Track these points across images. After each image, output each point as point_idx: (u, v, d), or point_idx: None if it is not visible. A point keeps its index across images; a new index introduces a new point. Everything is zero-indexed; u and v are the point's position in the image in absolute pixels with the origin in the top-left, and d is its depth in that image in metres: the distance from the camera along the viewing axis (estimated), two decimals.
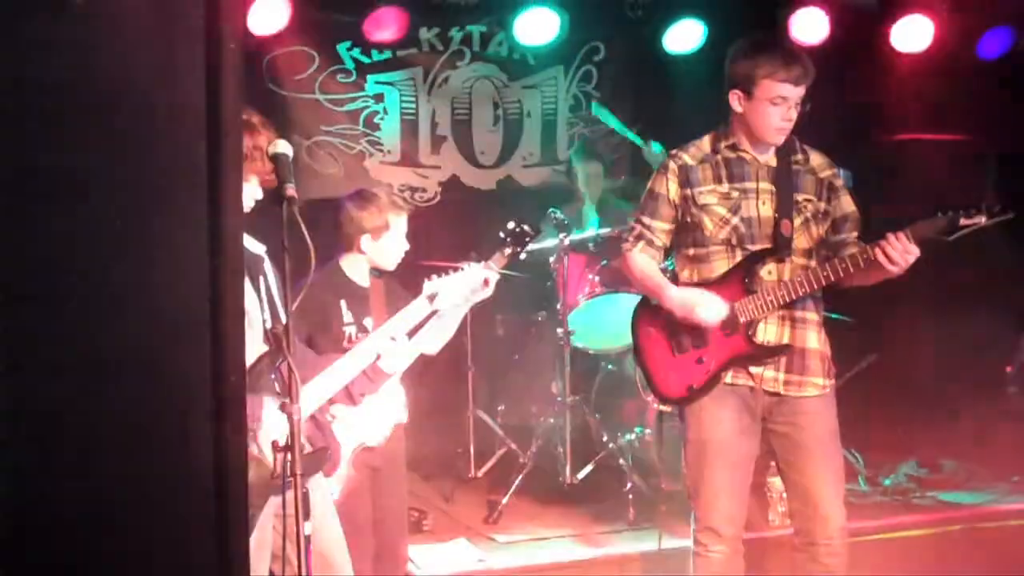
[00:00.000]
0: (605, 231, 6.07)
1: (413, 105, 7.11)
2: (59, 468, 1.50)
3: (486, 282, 4.11)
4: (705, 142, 3.97)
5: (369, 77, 6.95)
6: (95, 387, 1.54)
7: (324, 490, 3.74)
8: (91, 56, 1.58)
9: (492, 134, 7.33)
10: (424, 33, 7.04)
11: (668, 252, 4.14)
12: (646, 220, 4.03)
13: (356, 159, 6.98)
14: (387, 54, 6.94)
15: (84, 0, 1.55)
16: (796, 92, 3.75)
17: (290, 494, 2.97)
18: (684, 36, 6.97)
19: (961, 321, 5.97)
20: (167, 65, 1.66)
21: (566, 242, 5.82)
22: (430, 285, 3.97)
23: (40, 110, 1.50)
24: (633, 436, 5.84)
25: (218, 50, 1.69)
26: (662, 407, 4.02)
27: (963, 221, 3.59)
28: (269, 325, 3.44)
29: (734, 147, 3.90)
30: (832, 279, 3.76)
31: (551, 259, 6.02)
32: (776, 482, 5.15)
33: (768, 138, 3.83)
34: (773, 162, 3.90)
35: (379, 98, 6.99)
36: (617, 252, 5.91)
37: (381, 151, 7.05)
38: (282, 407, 3.03)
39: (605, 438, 5.86)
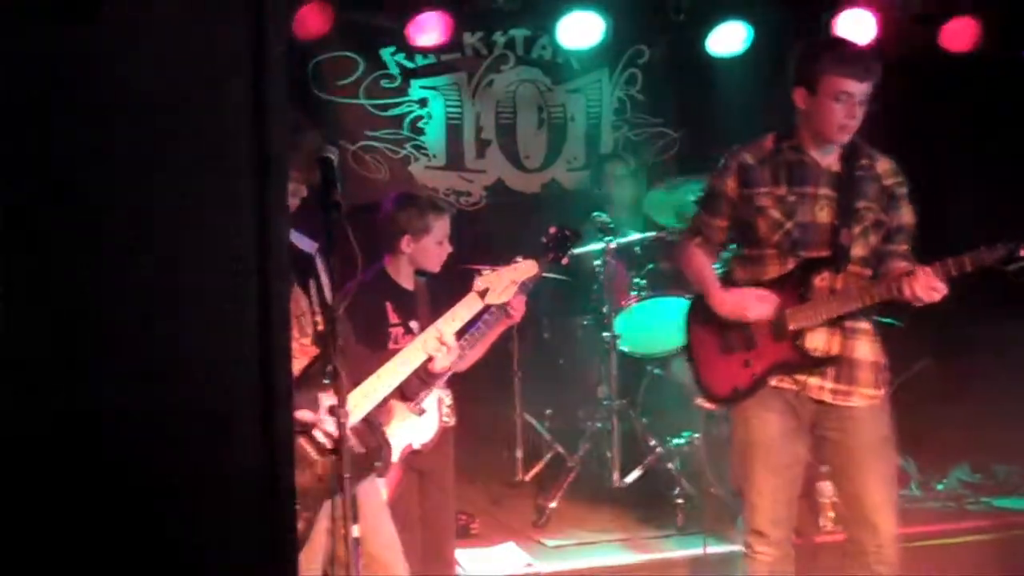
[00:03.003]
0: (651, 234, 6.05)
1: (458, 109, 7.12)
2: (107, 470, 1.50)
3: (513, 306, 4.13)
4: (768, 141, 3.90)
5: (413, 82, 6.97)
6: (144, 390, 1.54)
7: (377, 492, 3.75)
8: (137, 62, 1.59)
9: (536, 138, 7.32)
10: (468, 38, 7.04)
11: (724, 249, 4.10)
12: (704, 216, 4.00)
13: (401, 164, 7.00)
14: (431, 59, 6.96)
15: (111, 9, 1.55)
16: (860, 88, 3.67)
17: (339, 496, 2.99)
18: (728, 39, 6.90)
19: (1012, 324, 5.87)
20: (212, 68, 1.66)
21: (611, 246, 5.80)
22: (481, 280, 3.93)
23: (86, 115, 1.51)
24: (681, 440, 5.81)
25: (263, 54, 1.69)
26: (707, 405, 4.00)
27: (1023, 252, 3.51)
28: (320, 327, 3.46)
29: (797, 149, 3.83)
30: (881, 300, 3.70)
31: (596, 263, 6.00)
32: (825, 487, 5.11)
33: (831, 136, 3.75)
34: (836, 167, 3.82)
35: (423, 103, 7.01)
36: (662, 255, 5.94)
37: (426, 155, 7.06)
38: (330, 410, 3.05)
39: (653, 442, 5.83)
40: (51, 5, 1.45)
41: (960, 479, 5.89)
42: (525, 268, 4.00)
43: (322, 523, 3.39)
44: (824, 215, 3.79)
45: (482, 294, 3.89)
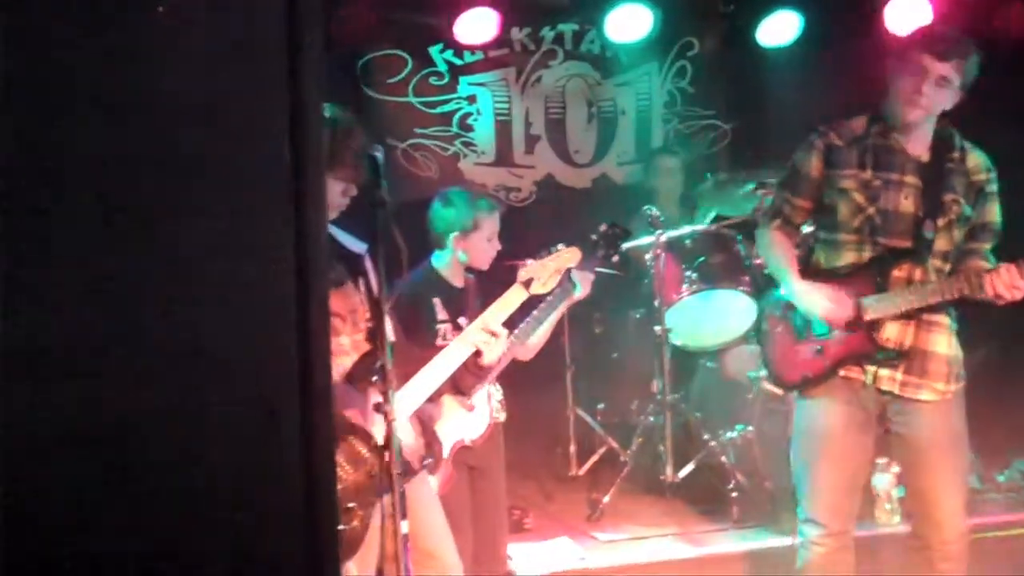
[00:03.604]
0: (700, 227, 6.01)
1: (506, 105, 7.12)
2: (147, 468, 1.52)
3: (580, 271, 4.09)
4: (857, 123, 3.83)
5: (462, 79, 6.98)
6: (182, 386, 1.56)
7: (429, 487, 3.76)
8: (173, 61, 1.60)
9: (586, 132, 7.31)
10: (516, 33, 7.05)
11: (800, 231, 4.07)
12: (787, 195, 3.94)
13: (451, 161, 7.02)
14: (479, 55, 6.97)
15: (166, 8, 1.57)
16: (938, 67, 3.59)
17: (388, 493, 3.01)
18: (778, 29, 6.85)
19: None
20: (249, 68, 1.68)
21: (662, 239, 5.77)
22: (525, 271, 3.92)
23: (123, 115, 1.53)
24: (735, 434, 5.77)
25: (299, 53, 1.70)
26: (774, 390, 3.96)
27: None
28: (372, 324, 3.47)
29: (885, 133, 3.76)
30: (961, 296, 3.62)
31: (647, 256, 5.98)
32: (880, 480, 5.05)
33: (902, 109, 3.67)
34: (926, 157, 3.74)
35: (472, 99, 7.02)
36: (713, 249, 5.89)
37: (475, 152, 7.07)
38: (376, 407, 3.06)
39: (706, 436, 5.79)
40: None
41: (1022, 470, 5.79)
42: (568, 256, 4.00)
43: (376, 520, 3.41)
44: (908, 204, 3.71)
45: (526, 284, 3.89)
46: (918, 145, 3.76)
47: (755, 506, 5.40)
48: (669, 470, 5.68)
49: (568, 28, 7.15)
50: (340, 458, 3.33)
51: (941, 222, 3.70)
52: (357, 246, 3.53)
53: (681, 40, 7.33)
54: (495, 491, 4.43)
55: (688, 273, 6.00)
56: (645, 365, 6.11)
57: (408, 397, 3.54)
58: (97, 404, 1.49)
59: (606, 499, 5.56)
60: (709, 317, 5.81)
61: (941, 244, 3.73)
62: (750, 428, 5.66)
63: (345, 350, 3.37)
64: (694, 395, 6.07)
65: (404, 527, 3.10)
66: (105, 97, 1.55)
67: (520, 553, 4.94)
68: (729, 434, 5.78)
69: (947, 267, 3.76)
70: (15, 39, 1.42)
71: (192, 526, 1.59)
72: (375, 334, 3.17)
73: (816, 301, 3.76)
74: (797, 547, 3.92)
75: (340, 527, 3.28)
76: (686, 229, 6.03)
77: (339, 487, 3.27)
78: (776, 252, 3.94)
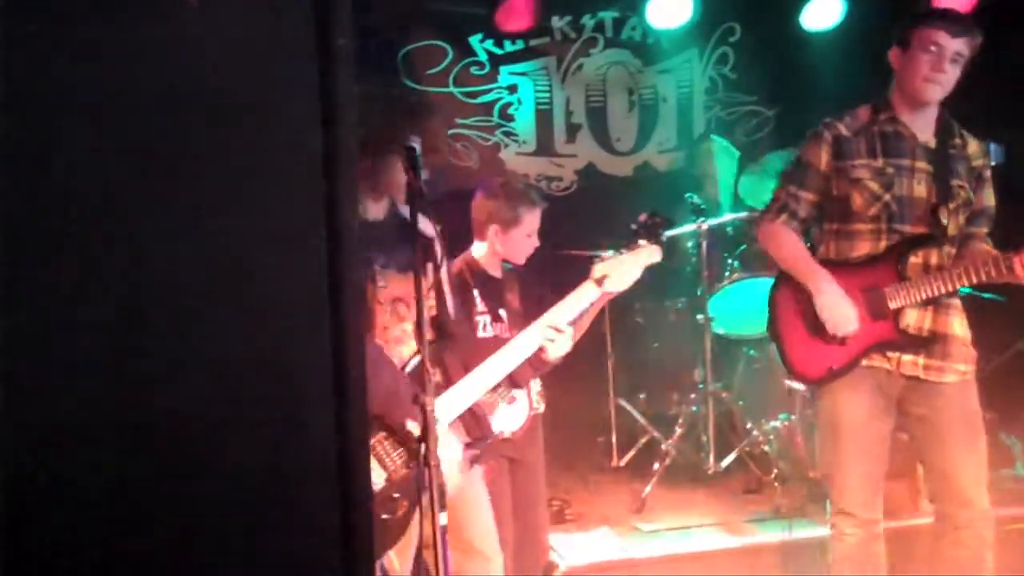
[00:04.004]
0: (743, 214, 5.97)
1: (547, 94, 7.11)
2: (178, 467, 1.52)
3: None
4: (862, 112, 3.80)
5: (502, 68, 6.98)
6: (213, 383, 1.56)
7: (478, 481, 3.74)
8: (203, 55, 1.60)
9: (628, 120, 7.28)
10: (556, 21, 7.03)
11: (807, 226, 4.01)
12: (793, 189, 3.88)
13: (492, 150, 7.02)
14: (519, 44, 6.96)
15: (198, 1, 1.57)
16: (953, 44, 3.58)
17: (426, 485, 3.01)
18: (822, 12, 6.79)
19: None
20: (278, 58, 1.67)
21: (704, 227, 5.73)
22: (600, 267, 3.62)
23: (151, 107, 1.53)
24: (777, 423, 5.73)
25: (327, 44, 1.70)
26: (798, 386, 3.92)
27: None
28: (434, 311, 3.45)
29: (893, 120, 3.74)
30: (988, 279, 3.59)
31: (689, 244, 5.94)
32: None
33: (919, 92, 3.65)
34: (933, 143, 3.73)
35: (513, 89, 7.01)
36: (755, 236, 5.84)
37: (516, 142, 7.06)
38: (414, 399, 3.06)
39: (749, 425, 5.76)
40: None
41: None
42: (649, 253, 3.70)
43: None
44: (921, 189, 3.70)
45: (599, 281, 3.61)
46: (925, 131, 3.75)
47: (797, 496, 5.36)
48: (711, 460, 5.65)
49: (609, 15, 7.12)
50: (389, 448, 3.33)
51: (952, 206, 3.70)
52: (428, 228, 3.51)
53: (723, 26, 7.29)
54: (535, 482, 4.42)
55: (730, 261, 5.96)
56: (687, 354, 6.08)
57: (467, 391, 3.48)
58: (121, 403, 1.50)
59: (648, 489, 5.55)
60: (751, 305, 5.76)
61: (951, 229, 3.73)
62: (793, 417, 5.61)
63: (408, 337, 3.36)
64: (736, 384, 6.03)
65: (443, 518, 3.11)
66: (131, 92, 1.56)
67: (562, 544, 4.94)
68: (772, 423, 5.74)
69: (954, 251, 3.75)
70: (42, 34, 1.43)
71: (223, 525, 1.59)
72: (418, 324, 3.13)
73: (843, 316, 3.71)
74: (829, 540, 3.90)
75: (384, 516, 3.29)
76: (728, 216, 5.99)
77: (385, 477, 3.28)
78: (791, 249, 3.88)
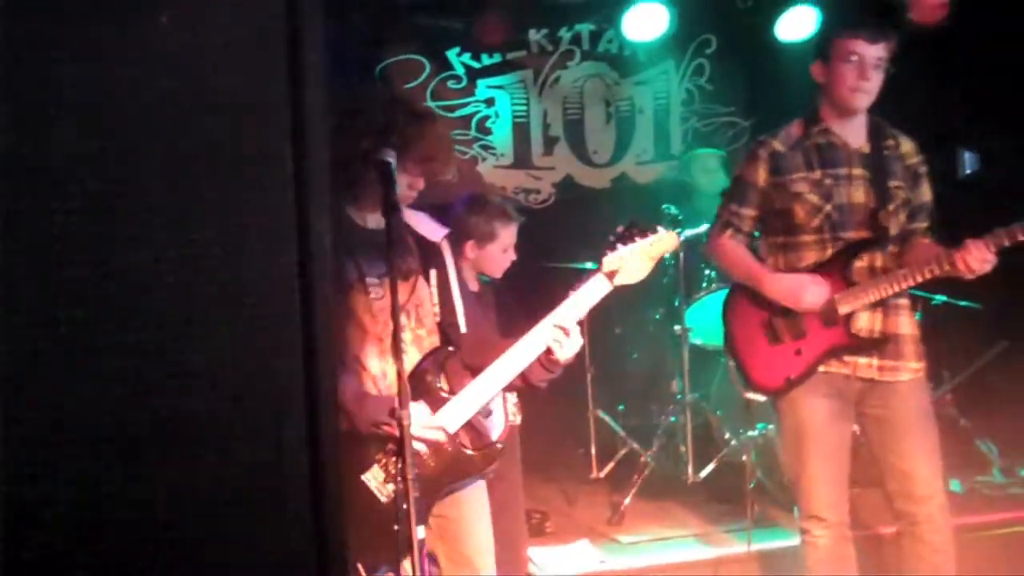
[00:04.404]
0: None
1: (524, 107, 7.13)
2: (149, 480, 1.52)
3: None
4: (795, 127, 3.88)
5: (479, 82, 7.01)
6: (184, 396, 1.56)
7: (482, 496, 3.68)
8: (175, 69, 1.61)
9: (605, 132, 7.32)
10: (533, 35, 7.06)
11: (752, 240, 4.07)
12: (734, 207, 3.97)
13: (469, 164, 7.04)
14: (497, 58, 7.00)
15: (169, 18, 1.58)
16: (872, 51, 3.65)
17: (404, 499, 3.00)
18: (797, 23, 6.82)
19: None
20: (249, 71, 1.68)
21: (681, 238, 5.75)
22: (611, 259, 3.32)
23: (122, 119, 1.53)
24: (755, 432, 5.74)
25: (298, 59, 1.70)
26: (755, 397, 3.96)
27: None
28: (439, 318, 3.41)
29: (825, 131, 3.81)
30: (933, 277, 3.66)
31: (666, 255, 5.96)
32: None
33: (846, 100, 3.72)
34: (867, 148, 3.81)
35: (490, 102, 7.04)
36: (708, 240, 5.87)
37: (494, 155, 7.09)
38: (391, 412, 3.03)
39: (727, 435, 5.77)
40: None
41: None
42: (665, 241, 3.41)
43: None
44: (860, 195, 3.77)
45: (610, 275, 3.34)
46: (858, 137, 3.82)
47: (776, 504, 5.37)
48: (690, 471, 5.66)
49: (585, 28, 7.15)
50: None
51: (891, 208, 3.76)
52: (435, 232, 3.49)
53: (699, 38, 7.34)
54: (513, 494, 4.41)
55: (707, 272, 5.99)
56: (665, 365, 6.10)
57: (474, 396, 3.36)
58: (95, 408, 1.50)
59: (627, 501, 5.55)
60: None
61: (893, 230, 3.79)
62: (771, 426, 5.62)
63: (412, 345, 3.33)
64: (714, 394, 6.04)
65: (422, 532, 3.09)
66: (99, 101, 1.56)
67: (541, 557, 4.93)
68: (750, 433, 5.75)
69: (898, 251, 3.82)
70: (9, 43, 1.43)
71: (196, 536, 1.59)
72: (394, 337, 3.04)
73: (796, 287, 3.76)
74: (800, 546, 3.92)
75: (396, 528, 3.14)
76: (704, 227, 6.00)
77: (393, 489, 3.25)
78: (738, 257, 3.96)
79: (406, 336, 3.31)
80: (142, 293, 1.54)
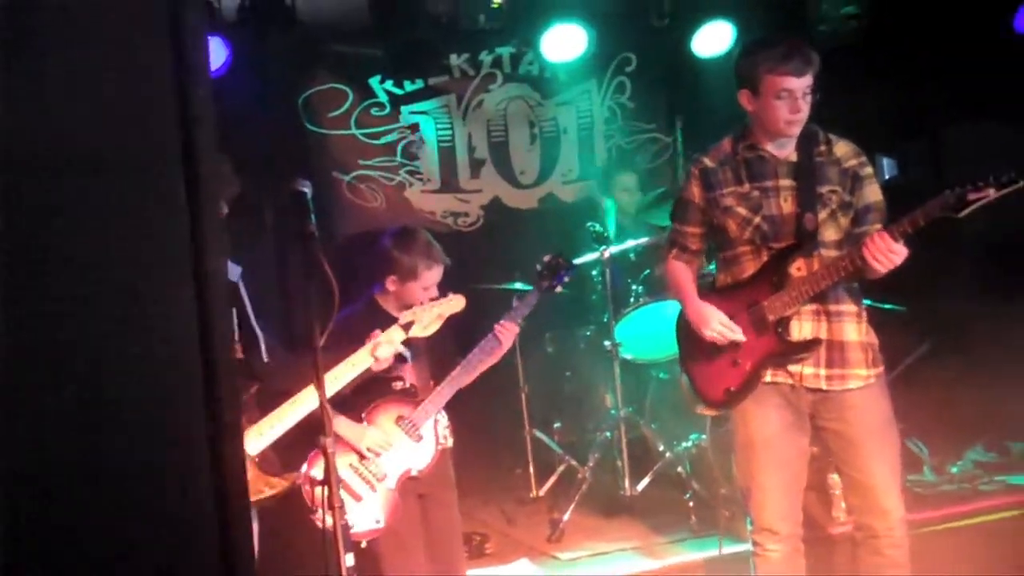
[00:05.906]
0: (645, 240, 6.06)
1: (449, 132, 7.16)
2: (58, 509, 1.54)
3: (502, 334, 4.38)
4: (725, 144, 3.94)
5: (403, 108, 7.03)
6: (90, 425, 1.57)
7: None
8: (67, 114, 1.62)
9: (530, 153, 7.36)
10: (454, 59, 7.10)
11: (702, 256, 4.13)
12: (677, 226, 4.06)
13: (397, 190, 7.05)
14: (419, 83, 7.02)
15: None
16: (800, 83, 3.69)
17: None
18: (713, 39, 6.92)
19: (1013, 299, 5.84)
20: (139, 110, 1.70)
21: (607, 255, 5.81)
22: (407, 314, 4.03)
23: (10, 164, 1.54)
24: (689, 443, 5.80)
25: (186, 96, 1.72)
26: (707, 412, 4.01)
27: (971, 196, 3.43)
28: (239, 355, 3.53)
29: (753, 147, 3.86)
30: (848, 273, 3.69)
31: (593, 273, 6.02)
32: (837, 478, 5.09)
33: (782, 132, 3.77)
34: (794, 157, 3.84)
35: (414, 128, 7.06)
36: (658, 261, 5.94)
37: (421, 180, 7.10)
38: (315, 442, 3.09)
39: (662, 447, 5.83)
40: None
41: (975, 460, 5.86)
42: (452, 304, 4.09)
43: None
44: (788, 205, 3.80)
45: (406, 327, 3.97)
46: (786, 149, 3.86)
47: (713, 514, 5.42)
48: (627, 484, 5.70)
49: (506, 51, 7.20)
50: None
51: (823, 214, 3.79)
52: (232, 272, 3.54)
53: (618, 56, 7.41)
54: (448, 518, 4.41)
55: (634, 287, 6.05)
56: (598, 381, 6.14)
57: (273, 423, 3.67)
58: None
59: (565, 517, 5.57)
60: (657, 329, 5.82)
61: (831, 234, 3.81)
62: (703, 436, 5.69)
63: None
64: (648, 408, 6.09)
65: (351, 560, 3.12)
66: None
67: None
68: (684, 444, 5.81)
69: (843, 254, 3.81)
70: None
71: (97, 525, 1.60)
72: (315, 367, 3.16)
73: (704, 320, 3.86)
74: (751, 557, 3.96)
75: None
76: (629, 243, 6.08)
77: None
78: (672, 279, 4.07)
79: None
80: (38, 331, 1.55)
